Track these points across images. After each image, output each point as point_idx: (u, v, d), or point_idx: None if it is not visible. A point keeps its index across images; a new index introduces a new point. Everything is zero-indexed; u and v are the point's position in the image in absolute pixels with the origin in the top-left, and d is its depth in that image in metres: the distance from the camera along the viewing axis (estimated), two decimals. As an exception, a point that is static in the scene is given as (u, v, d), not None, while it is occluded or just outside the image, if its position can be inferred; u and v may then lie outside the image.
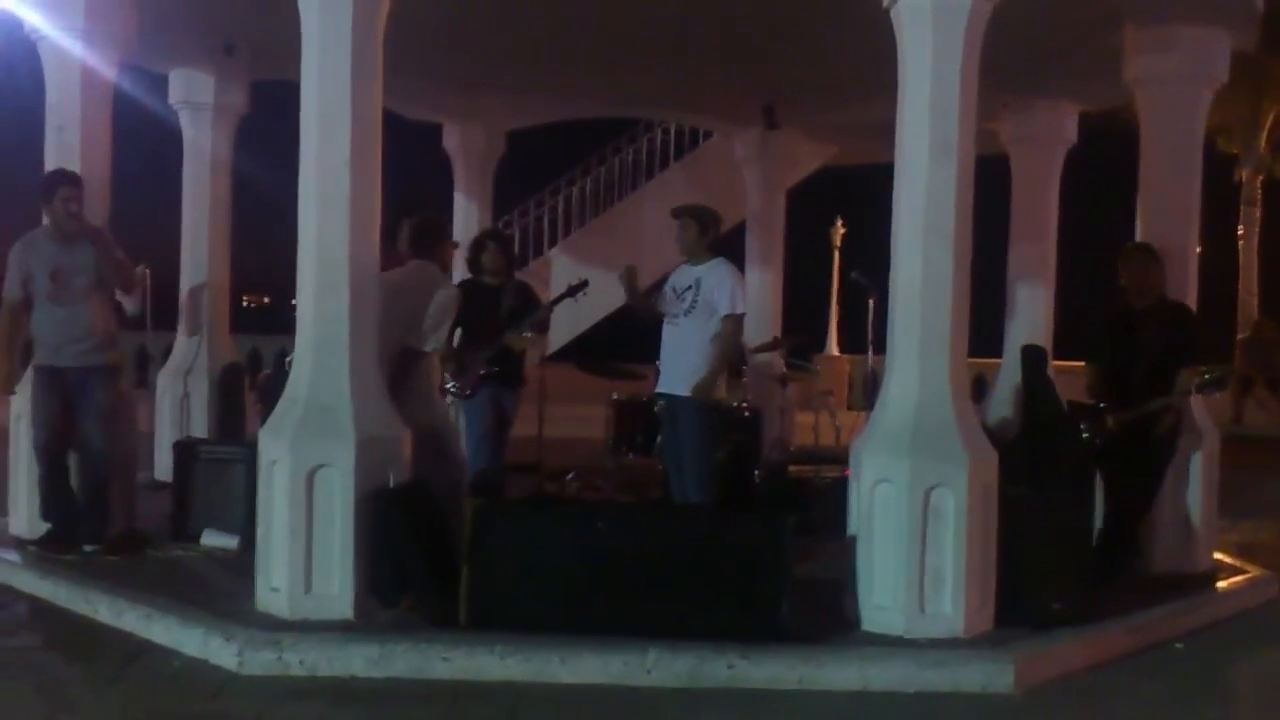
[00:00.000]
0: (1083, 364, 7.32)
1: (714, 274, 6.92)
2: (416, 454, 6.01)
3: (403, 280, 6.52)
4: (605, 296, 11.57)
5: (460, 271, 8.81)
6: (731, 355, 6.96)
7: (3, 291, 6.99)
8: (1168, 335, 6.81)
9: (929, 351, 5.74)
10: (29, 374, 7.15)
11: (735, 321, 6.92)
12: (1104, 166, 11.99)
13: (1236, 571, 7.49)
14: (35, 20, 7.37)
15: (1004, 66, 6.25)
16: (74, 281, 6.87)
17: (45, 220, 6.97)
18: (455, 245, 7.54)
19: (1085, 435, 6.90)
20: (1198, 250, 7.73)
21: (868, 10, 5.91)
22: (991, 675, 5.35)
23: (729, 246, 8.73)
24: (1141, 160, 7.64)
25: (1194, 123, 7.54)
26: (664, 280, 7.46)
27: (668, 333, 7.07)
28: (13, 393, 7.11)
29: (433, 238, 6.76)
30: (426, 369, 6.78)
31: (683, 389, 6.90)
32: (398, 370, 6.28)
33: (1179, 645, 6.19)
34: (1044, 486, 6.19)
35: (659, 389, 7.18)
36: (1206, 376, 6.72)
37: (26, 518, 7.27)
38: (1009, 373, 9.94)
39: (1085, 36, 7.81)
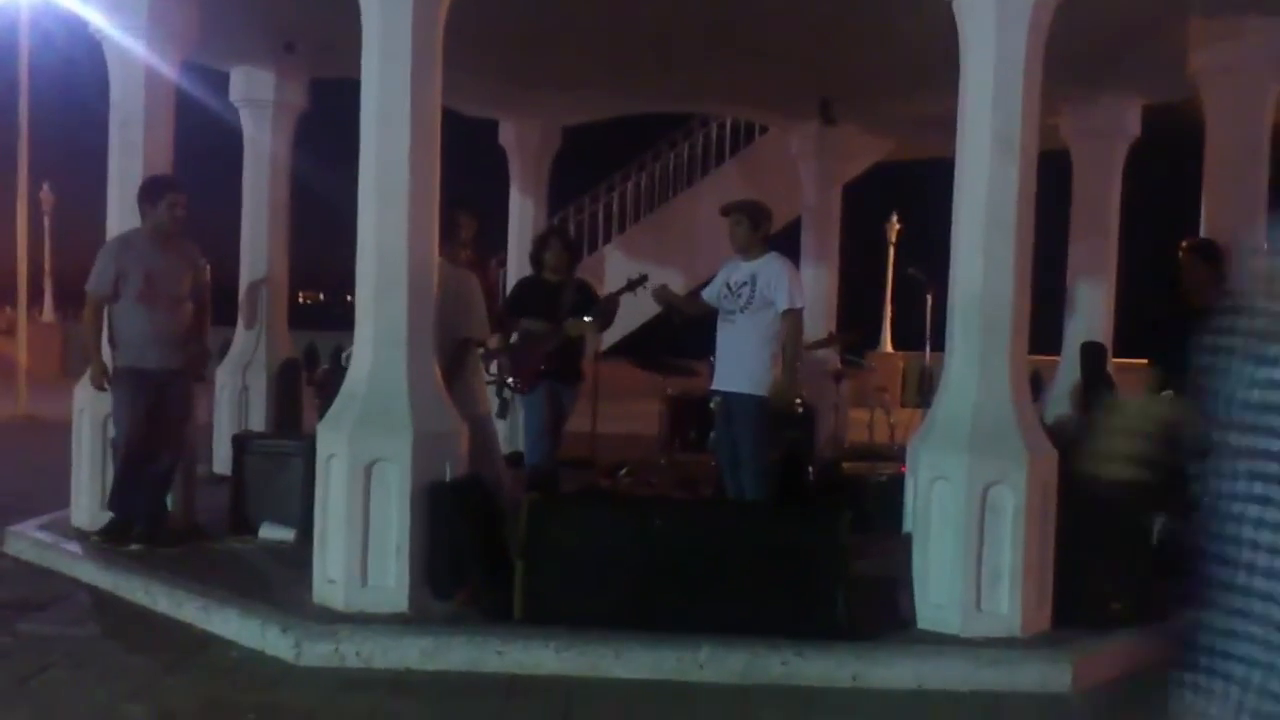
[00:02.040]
0: (1145, 363, 7.20)
1: (769, 269, 6.88)
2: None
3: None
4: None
5: (520, 267, 8.83)
6: (799, 352, 6.92)
7: (90, 287, 6.98)
8: None
9: (989, 348, 5.68)
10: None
11: (795, 316, 6.88)
12: (1168, 161, 11.81)
13: (1302, 573, 7.35)
14: (99, 20, 7.48)
15: (1067, 59, 6.17)
16: (167, 287, 6.96)
17: (143, 220, 7.00)
18: (465, 247, 7.30)
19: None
20: (1265, 247, 7.58)
21: (928, 2, 5.85)
22: (1049, 675, 5.29)
23: (784, 242, 8.69)
24: (1206, 154, 7.54)
25: (1261, 115, 7.42)
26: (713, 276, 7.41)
27: (723, 329, 7.04)
28: (105, 388, 7.05)
29: (442, 235, 6.65)
30: (471, 364, 6.80)
31: (738, 385, 6.88)
32: (459, 366, 6.33)
33: (1242, 647, 6.08)
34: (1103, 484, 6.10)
35: (714, 385, 7.15)
36: None
37: (88, 510, 7.38)
38: (1068, 370, 9.83)
39: (1150, 27, 7.70)
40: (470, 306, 6.89)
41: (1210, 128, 7.52)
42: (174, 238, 7.04)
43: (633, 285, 7.92)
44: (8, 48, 15.52)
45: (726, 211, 7.13)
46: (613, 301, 7.91)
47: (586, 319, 7.73)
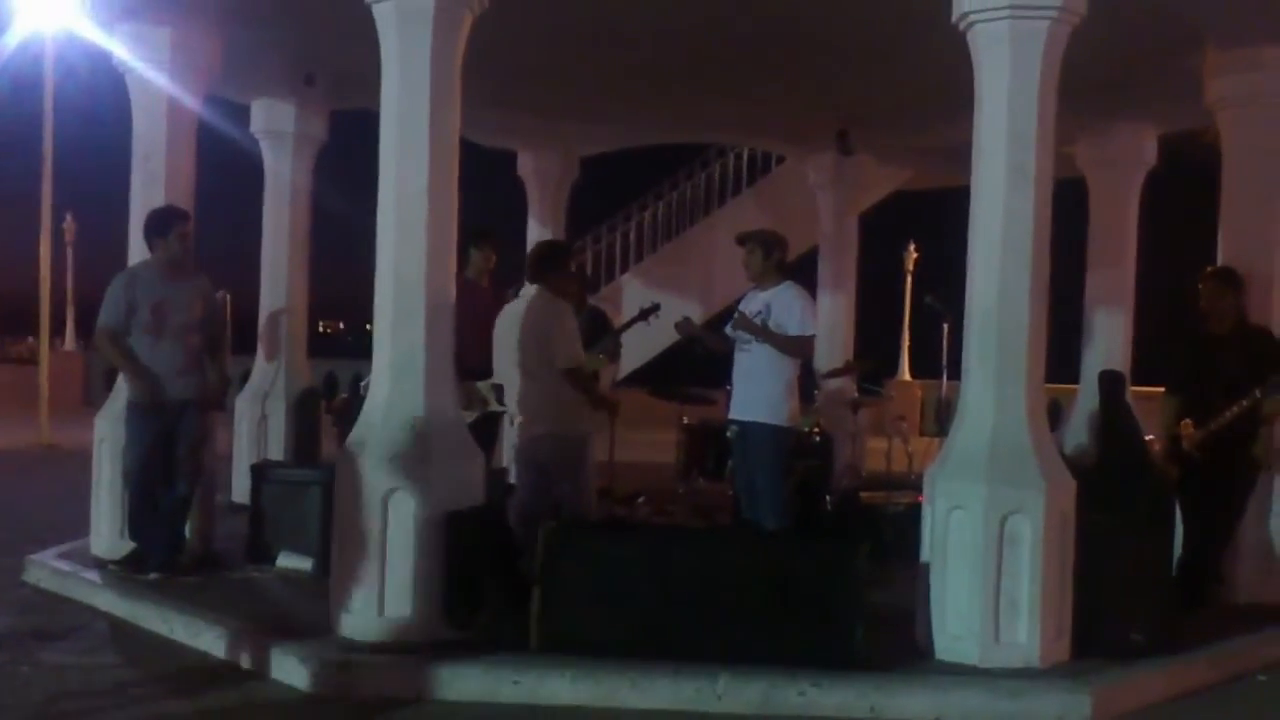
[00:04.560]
0: (1161, 391, 7.17)
1: (782, 297, 6.90)
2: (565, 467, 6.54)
3: (528, 307, 6.68)
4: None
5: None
6: (776, 343, 6.85)
7: (101, 321, 6.95)
8: (1246, 359, 6.66)
9: (1005, 376, 5.67)
10: (114, 403, 7.33)
11: (803, 341, 6.87)
12: (1185, 189, 11.79)
13: (1322, 603, 7.29)
14: (122, 53, 7.59)
15: (1082, 88, 6.19)
16: (175, 317, 6.98)
17: (152, 253, 7.04)
18: (575, 276, 7.62)
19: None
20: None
21: (943, 33, 5.88)
22: (1068, 706, 5.26)
23: (802, 271, 8.71)
24: (1223, 183, 7.52)
25: (1278, 144, 7.39)
26: (735, 306, 7.43)
27: (739, 359, 7.05)
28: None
29: (548, 266, 6.84)
30: (567, 391, 6.73)
31: (754, 414, 6.88)
32: (564, 390, 6.52)
33: (1262, 677, 6.04)
34: (1122, 514, 6.08)
35: (731, 415, 7.16)
36: (1275, 379, 6.48)
37: (107, 539, 7.41)
38: (1086, 399, 9.80)
39: (1165, 58, 7.70)
40: (554, 337, 6.73)
41: (1227, 157, 7.50)
42: (184, 268, 7.09)
43: (645, 314, 7.95)
44: (33, 80, 15.70)
45: (741, 241, 7.16)
46: (621, 332, 7.97)
47: (600, 355, 7.76)
